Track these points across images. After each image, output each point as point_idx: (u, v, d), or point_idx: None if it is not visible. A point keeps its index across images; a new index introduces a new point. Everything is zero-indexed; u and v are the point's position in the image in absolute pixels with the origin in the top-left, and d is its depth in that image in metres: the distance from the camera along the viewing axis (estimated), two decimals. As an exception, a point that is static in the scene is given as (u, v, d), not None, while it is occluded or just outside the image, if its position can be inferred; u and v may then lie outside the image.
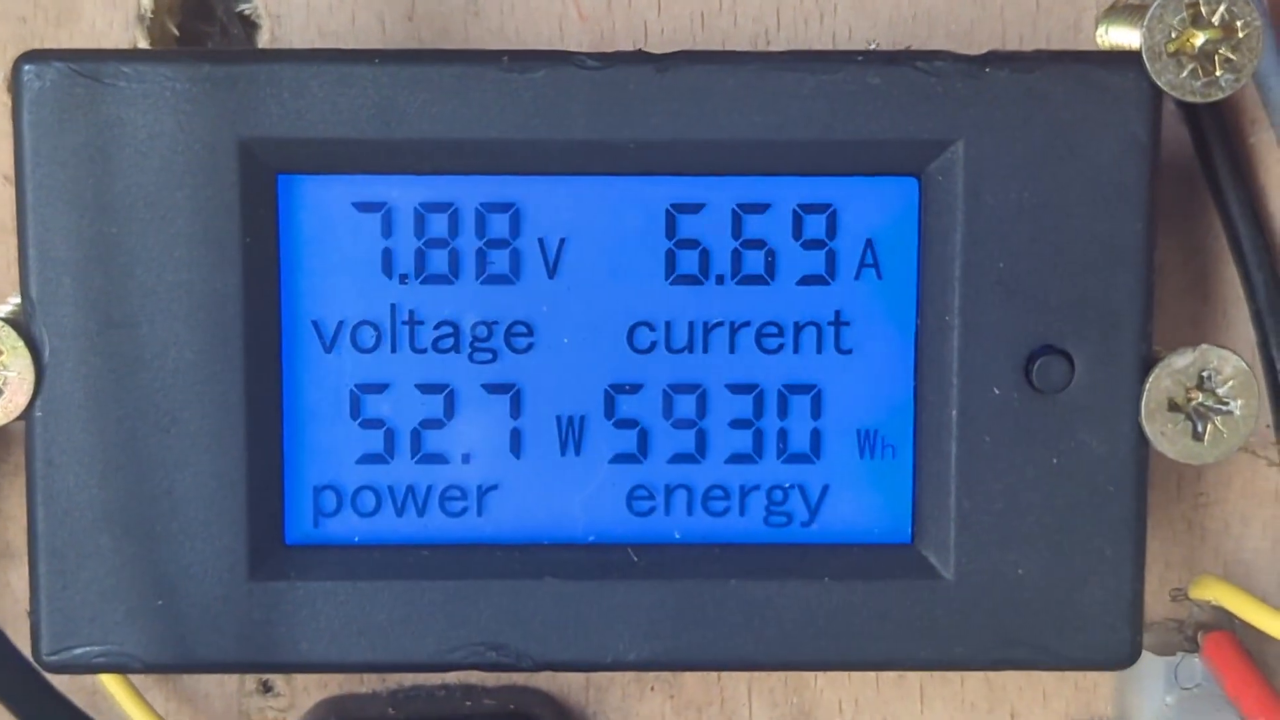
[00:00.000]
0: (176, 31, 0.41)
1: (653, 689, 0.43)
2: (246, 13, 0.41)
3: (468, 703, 0.42)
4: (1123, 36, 0.38)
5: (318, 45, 0.41)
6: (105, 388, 0.37)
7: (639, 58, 0.37)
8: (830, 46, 0.41)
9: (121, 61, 0.36)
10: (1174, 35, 0.36)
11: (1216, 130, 0.40)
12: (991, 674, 0.43)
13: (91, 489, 0.37)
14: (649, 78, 0.36)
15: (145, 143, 0.36)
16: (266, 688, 0.43)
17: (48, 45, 0.40)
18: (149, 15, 0.41)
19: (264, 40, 0.41)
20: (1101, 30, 0.39)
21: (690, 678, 0.43)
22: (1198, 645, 0.41)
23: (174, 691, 0.43)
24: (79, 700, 0.41)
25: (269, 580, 0.37)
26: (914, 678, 0.43)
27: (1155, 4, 0.36)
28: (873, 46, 0.39)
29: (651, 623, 0.38)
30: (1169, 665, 0.41)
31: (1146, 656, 0.41)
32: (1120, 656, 0.38)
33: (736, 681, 0.43)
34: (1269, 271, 0.40)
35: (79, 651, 0.37)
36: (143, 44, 0.41)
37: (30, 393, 0.37)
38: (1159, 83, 0.36)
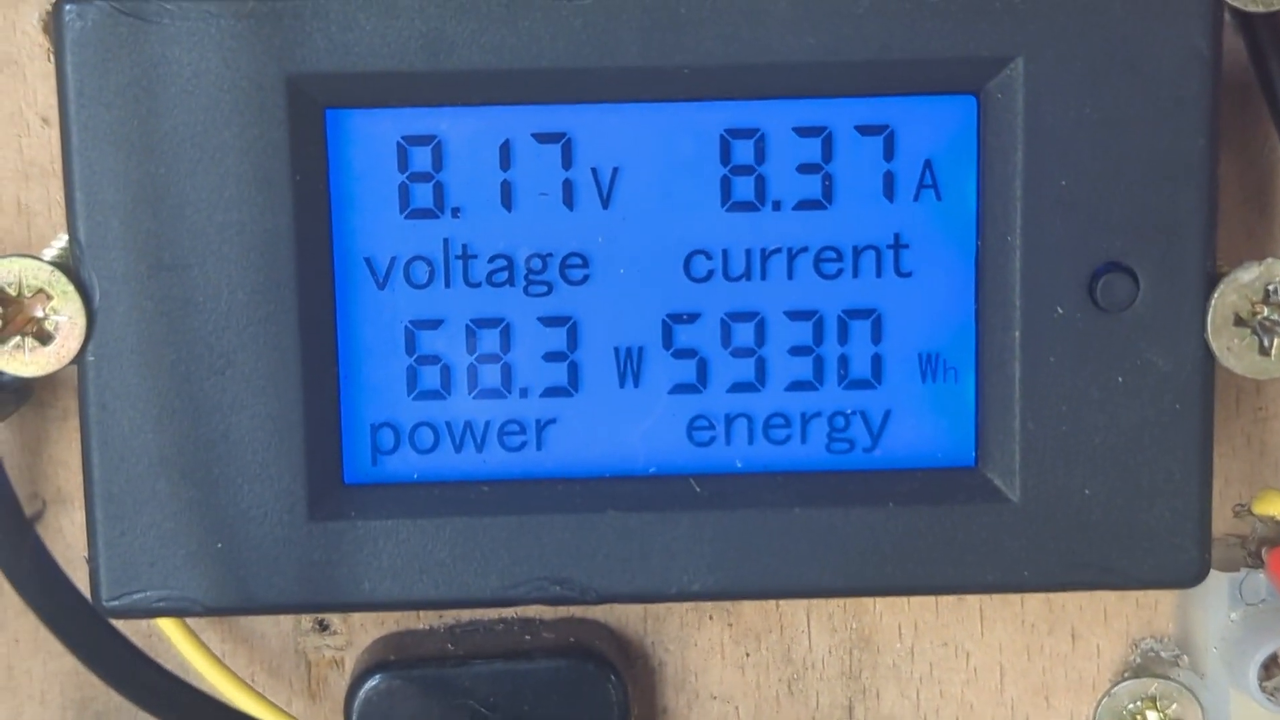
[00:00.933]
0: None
1: (711, 618, 0.43)
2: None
3: (527, 636, 0.42)
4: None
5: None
6: (157, 331, 0.36)
7: (690, -21, 0.36)
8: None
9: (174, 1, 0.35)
10: (1236, -58, 0.35)
11: (1273, 40, 0.39)
12: (1052, 595, 0.42)
13: (146, 433, 0.37)
14: (701, 1, 0.36)
15: (191, 81, 0.36)
16: (323, 626, 0.43)
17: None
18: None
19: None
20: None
21: (748, 606, 0.43)
22: (1261, 561, 0.41)
23: (229, 632, 0.43)
24: (134, 642, 0.41)
25: (328, 520, 0.37)
26: (973, 600, 0.43)
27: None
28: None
29: (715, 553, 0.37)
30: (1232, 581, 0.41)
31: (1209, 573, 0.40)
32: (1189, 574, 0.38)
33: (795, 608, 0.43)
34: (1328, 182, 0.40)
35: (139, 596, 0.37)
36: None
37: (82, 338, 0.36)
38: (1223, -5, 0.35)
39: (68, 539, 0.42)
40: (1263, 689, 0.40)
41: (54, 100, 0.37)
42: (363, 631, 0.43)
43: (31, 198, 0.40)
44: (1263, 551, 0.41)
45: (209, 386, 0.37)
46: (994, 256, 0.37)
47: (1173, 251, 0.36)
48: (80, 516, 0.41)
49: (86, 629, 0.38)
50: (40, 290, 0.36)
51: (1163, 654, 0.43)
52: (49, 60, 0.40)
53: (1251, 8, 0.36)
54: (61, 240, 0.38)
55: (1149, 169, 0.36)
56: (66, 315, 0.36)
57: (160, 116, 0.36)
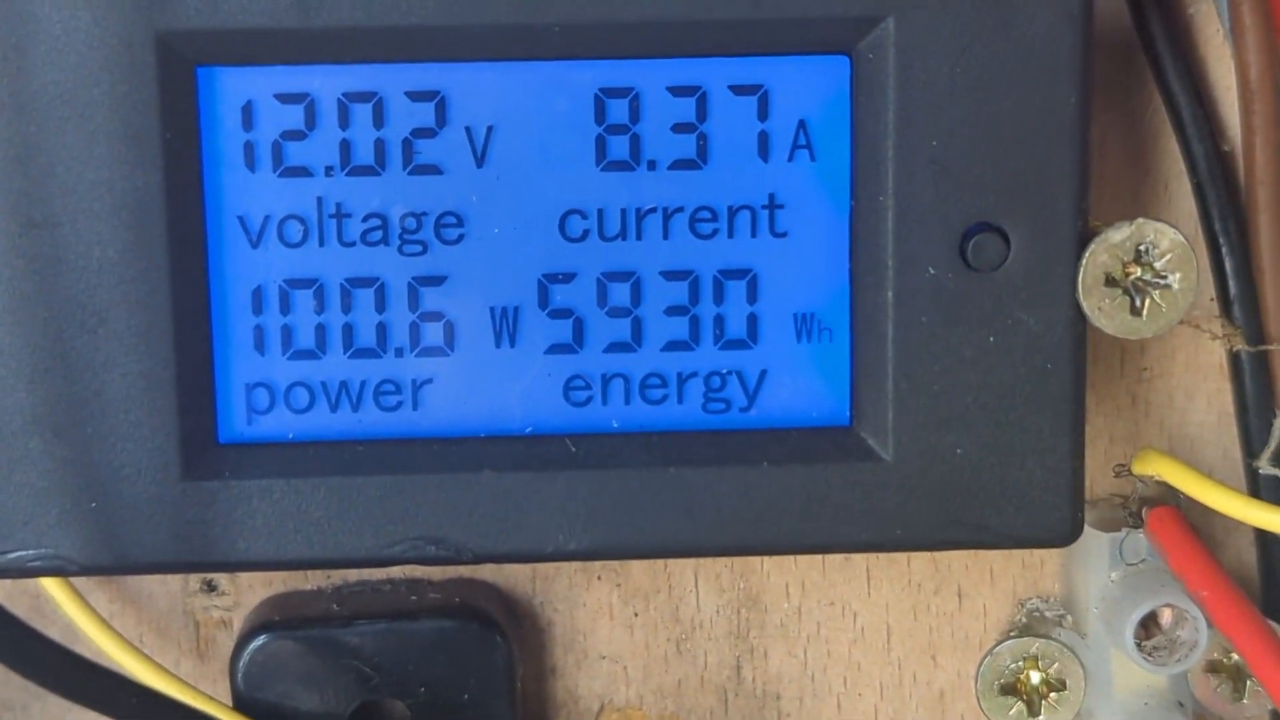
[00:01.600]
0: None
1: (599, 578, 0.43)
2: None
3: (413, 597, 0.42)
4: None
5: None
6: (28, 289, 0.36)
7: (562, -64, 0.36)
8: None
9: (32, -45, 0.35)
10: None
11: (1155, 5, 0.39)
12: (938, 554, 0.43)
13: (18, 392, 0.36)
14: (572, -43, 0.36)
15: (59, 38, 0.36)
16: (211, 587, 0.42)
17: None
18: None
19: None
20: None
21: (636, 566, 0.43)
22: (1142, 521, 0.41)
23: (118, 593, 0.43)
24: (21, 605, 0.41)
25: (203, 479, 0.37)
26: (860, 560, 0.43)
27: None
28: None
29: (591, 512, 0.37)
30: (1114, 541, 0.41)
31: (1091, 533, 0.41)
32: (1062, 533, 0.38)
33: (683, 568, 0.43)
34: (1209, 143, 0.40)
35: (13, 556, 0.37)
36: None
37: (-48, 297, 0.36)
38: (1090, -48, 0.35)
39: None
40: (1140, 648, 0.40)
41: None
42: (250, 592, 0.43)
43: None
44: (1143, 511, 0.41)
45: (80, 345, 0.36)
46: (867, 217, 0.37)
47: (1043, 212, 0.36)
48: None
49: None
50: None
51: (1047, 614, 0.43)
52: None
53: (1124, -32, 0.36)
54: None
55: (1020, 129, 0.36)
56: (-68, 275, 0.36)
57: (28, 74, 0.35)
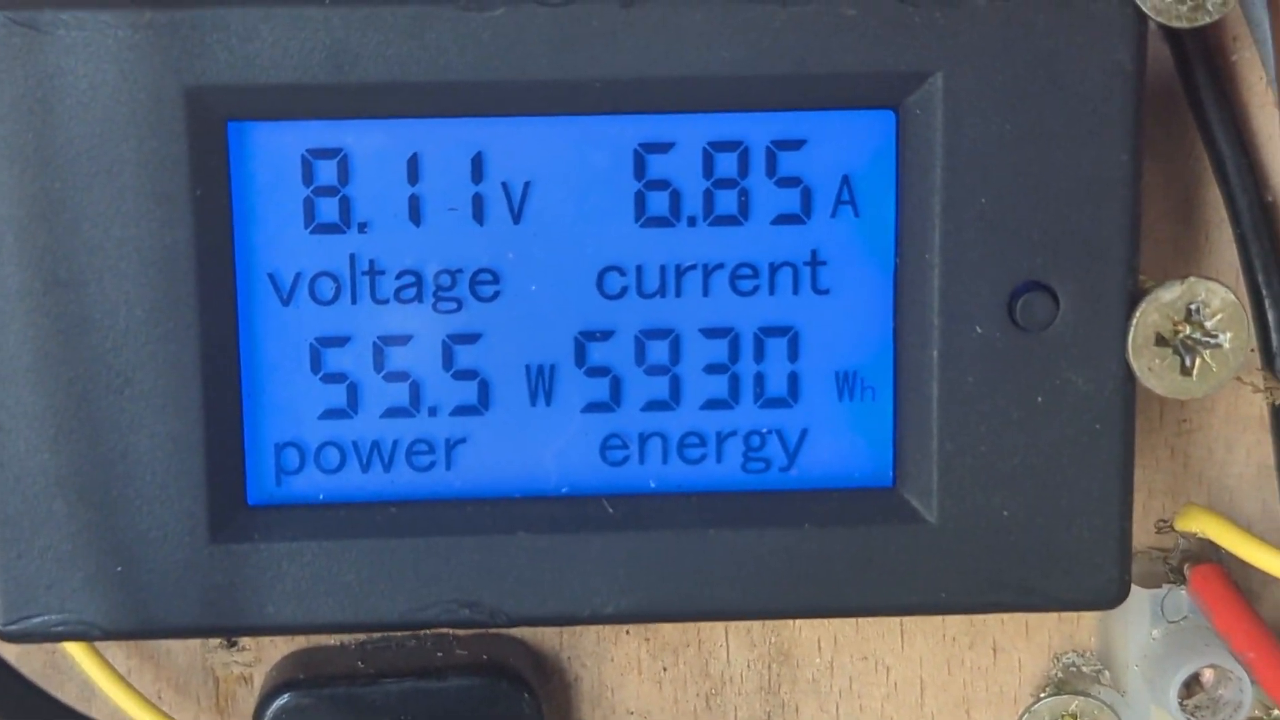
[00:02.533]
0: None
1: (628, 632, 0.42)
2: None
3: (439, 654, 0.41)
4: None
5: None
6: (54, 349, 0.35)
7: (602, -8, 0.35)
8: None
9: (59, 8, 0.35)
10: (1161, -45, 0.35)
11: (1199, 49, 0.39)
12: (972, 610, 0.42)
13: (43, 454, 0.36)
14: (613, 13, 0.35)
15: (87, 93, 0.35)
16: (231, 643, 0.42)
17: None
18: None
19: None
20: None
21: (666, 621, 0.42)
22: (1184, 577, 0.40)
23: (135, 649, 0.42)
24: (37, 661, 0.40)
25: (231, 542, 0.36)
26: (894, 615, 0.42)
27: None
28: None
29: (628, 575, 0.37)
30: (1155, 598, 0.40)
31: (1132, 589, 0.40)
32: (1108, 596, 0.37)
33: (713, 623, 0.42)
34: (1253, 194, 0.39)
35: (37, 620, 0.36)
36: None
37: (-24, 356, 0.35)
38: (1144, 8, 0.35)
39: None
40: (1183, 708, 0.39)
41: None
42: (272, 648, 0.42)
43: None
44: (1185, 568, 0.40)
45: (107, 405, 0.36)
46: (912, 274, 0.36)
47: (1094, 270, 0.36)
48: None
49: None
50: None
51: (1084, 669, 0.42)
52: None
53: (1177, 23, 0.35)
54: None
55: (1070, 186, 0.35)
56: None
57: (56, 129, 0.35)
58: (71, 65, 0.35)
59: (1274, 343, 0.39)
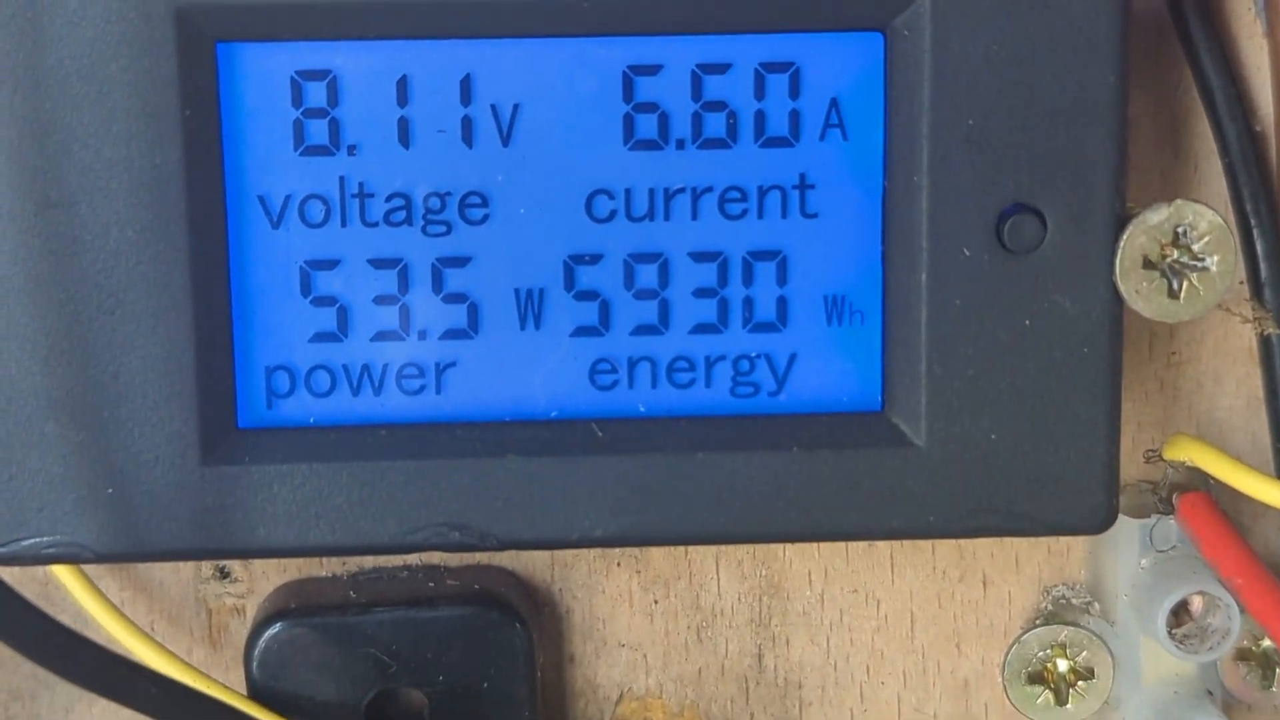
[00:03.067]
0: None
1: (619, 564, 0.42)
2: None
3: (430, 584, 0.41)
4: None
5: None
6: (44, 270, 0.35)
7: (590, -86, 0.35)
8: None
9: (48, -72, 0.34)
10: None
11: (1189, -19, 0.39)
12: (963, 541, 0.42)
13: (34, 375, 0.36)
14: (602, -66, 0.35)
15: (77, 13, 0.35)
16: (224, 574, 0.42)
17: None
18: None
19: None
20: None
21: (657, 552, 0.42)
22: (1172, 507, 0.40)
23: (129, 580, 0.42)
24: (30, 591, 0.40)
25: (222, 464, 0.36)
26: (884, 547, 0.42)
27: None
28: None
29: (617, 498, 0.37)
30: (1143, 528, 0.41)
31: (1120, 519, 0.40)
32: (1096, 520, 0.37)
33: (704, 555, 0.42)
34: (1241, 124, 0.39)
35: (28, 543, 0.36)
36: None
37: (-34, 277, 0.35)
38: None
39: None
40: (1171, 636, 0.39)
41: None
42: (264, 579, 0.42)
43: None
44: (1174, 497, 0.41)
45: (98, 327, 0.36)
46: (900, 198, 0.36)
47: (1081, 193, 0.36)
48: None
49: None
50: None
51: (1074, 600, 0.42)
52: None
53: (1163, -54, 0.35)
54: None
55: (1058, 109, 0.36)
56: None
57: (45, 50, 0.35)
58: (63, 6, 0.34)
59: (1262, 272, 0.39)
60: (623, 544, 0.38)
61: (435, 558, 0.41)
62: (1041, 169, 0.36)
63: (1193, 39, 0.39)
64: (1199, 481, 0.41)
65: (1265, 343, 0.40)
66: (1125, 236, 0.36)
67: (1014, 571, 0.43)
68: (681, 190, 0.37)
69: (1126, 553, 0.41)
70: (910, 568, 0.42)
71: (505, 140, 0.36)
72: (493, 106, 0.36)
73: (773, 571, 0.42)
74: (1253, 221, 0.39)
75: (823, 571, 0.42)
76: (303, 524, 0.37)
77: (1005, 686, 0.42)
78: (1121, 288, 0.36)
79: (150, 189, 0.35)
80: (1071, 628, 0.41)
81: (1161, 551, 0.40)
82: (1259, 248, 0.39)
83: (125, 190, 0.35)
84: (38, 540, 0.36)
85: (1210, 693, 0.41)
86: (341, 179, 0.36)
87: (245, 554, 0.38)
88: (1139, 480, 0.42)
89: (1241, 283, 0.40)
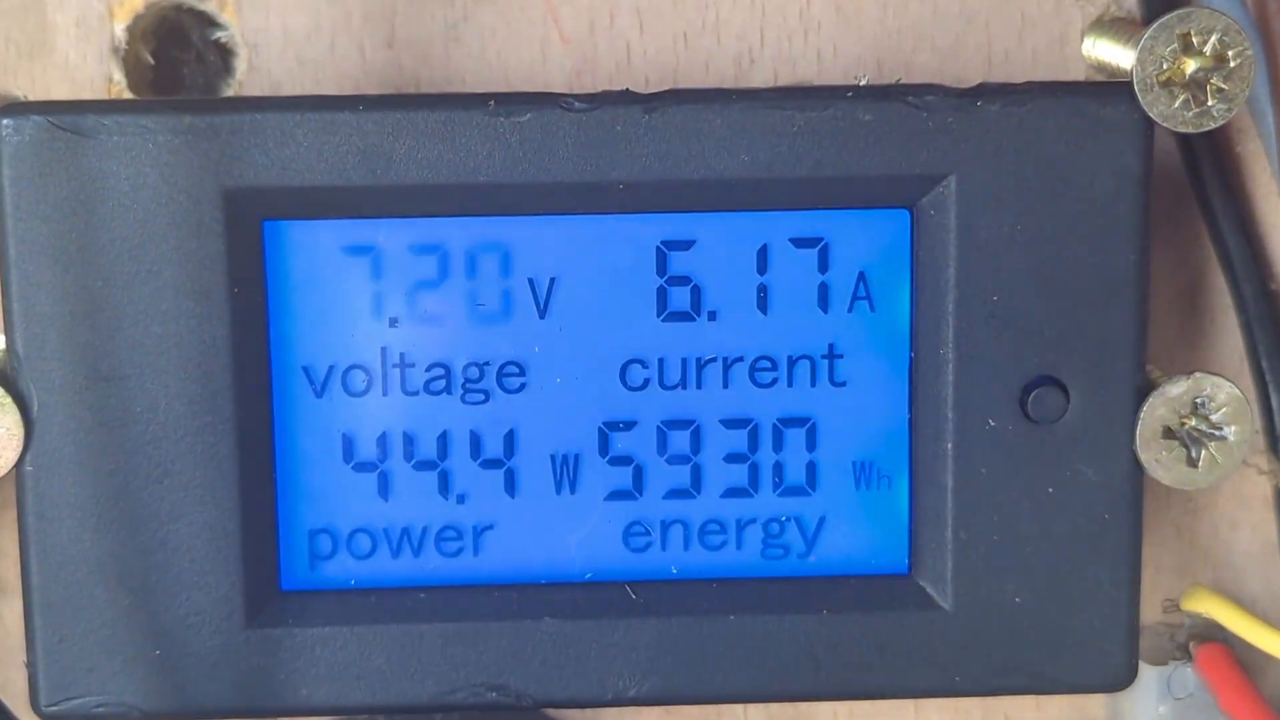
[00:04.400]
0: (151, 60, 0.40)
1: (648, 708, 0.43)
2: (223, 40, 0.40)
3: (465, 728, 0.42)
4: (1110, 53, 0.38)
5: (296, 73, 0.40)
6: (95, 440, 0.36)
7: (626, 98, 0.36)
8: (815, 64, 0.40)
9: (101, 113, 0.36)
10: (1165, 66, 0.36)
11: (1204, 141, 0.40)
12: (985, 683, 0.43)
13: (85, 541, 0.37)
14: (636, 118, 0.36)
15: (128, 194, 0.36)
16: None
17: (21, 79, 0.40)
18: (123, 46, 0.40)
19: (241, 69, 0.40)
20: (1089, 44, 0.39)
21: (686, 694, 0.43)
22: (1190, 654, 0.41)
23: None
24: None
25: (266, 627, 0.37)
26: (908, 687, 0.43)
27: (1146, 36, 0.35)
28: (862, 81, 0.38)
29: (651, 659, 0.38)
30: (1162, 674, 0.41)
31: (1140, 666, 0.41)
32: (1117, 680, 0.38)
33: (732, 696, 0.43)
34: (1257, 282, 0.40)
35: (77, 702, 0.37)
36: (117, 75, 0.40)
37: (20, 448, 0.36)
38: (1151, 114, 0.36)
39: (6, 625, 0.42)
40: (1190, 784, 0.40)
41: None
42: (301, 721, 0.43)
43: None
44: (1191, 646, 0.41)
45: (147, 495, 0.37)
46: (927, 368, 0.37)
47: (1103, 366, 0.37)
48: (18, 605, 0.41)
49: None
50: (-24, 402, 0.36)
51: (1094, 742, 0.43)
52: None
53: (1183, 129, 0.36)
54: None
55: (1081, 284, 0.37)
56: (4, 426, 0.36)
57: (98, 229, 0.36)
58: (113, 168, 0.36)
59: (1278, 427, 0.40)
60: (656, 703, 0.39)
61: (469, 701, 0.42)
62: (1065, 343, 0.37)
63: (1210, 199, 0.40)
64: (1216, 630, 0.42)
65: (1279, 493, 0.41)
66: (1146, 408, 0.37)
67: (1035, 711, 0.43)
68: (713, 360, 0.38)
69: (1145, 699, 0.42)
70: (934, 709, 0.43)
71: (542, 312, 0.37)
72: (530, 280, 0.37)
73: (800, 712, 0.43)
74: (1268, 377, 0.40)
75: (848, 712, 0.43)
76: (344, 684, 0.38)
77: (1027, 829, 0.43)
78: (1142, 457, 0.37)
79: (198, 362, 0.36)
80: (1092, 771, 0.42)
81: (1179, 699, 0.41)
82: (1274, 402, 0.40)
83: (174, 363, 0.36)
84: (86, 700, 0.37)
85: (1226, 838, 0.42)
86: (383, 350, 0.37)
87: (287, 713, 0.39)
88: (1157, 623, 0.43)
89: (1257, 432, 0.41)
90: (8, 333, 0.36)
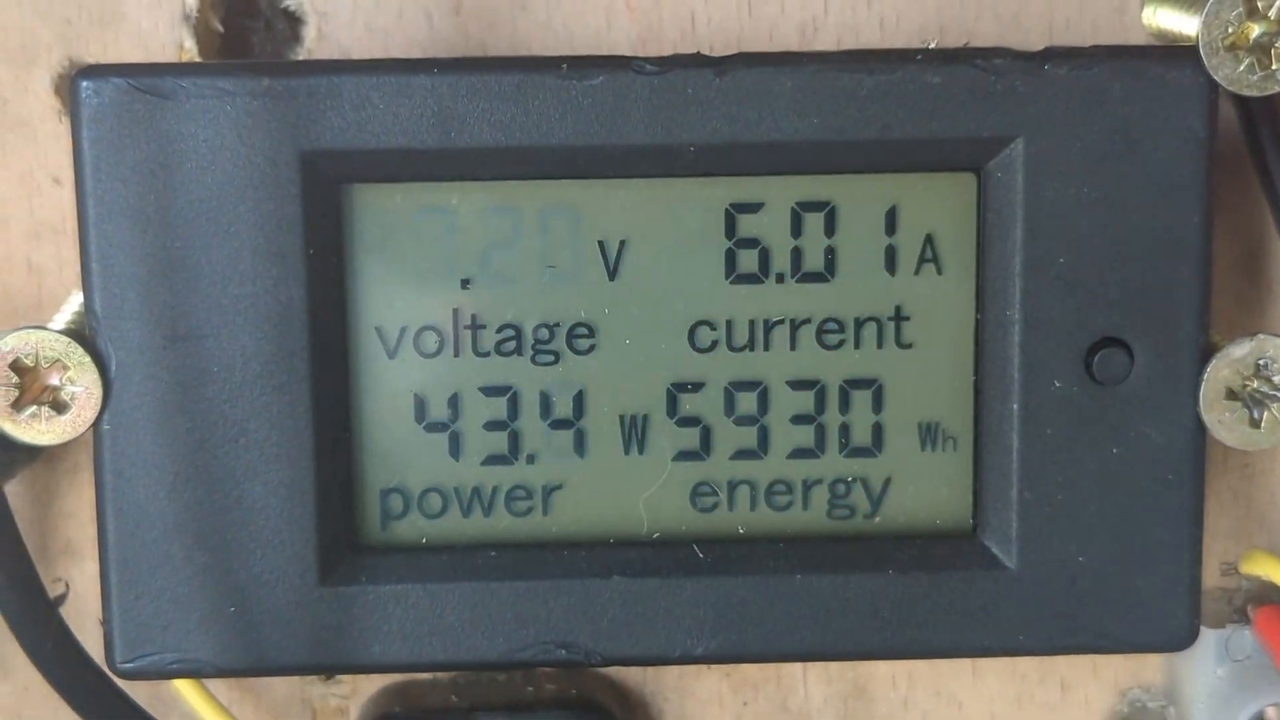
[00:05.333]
0: (221, 29, 0.41)
1: (709, 668, 0.44)
2: (291, 8, 0.41)
3: (529, 688, 0.43)
4: (1172, 20, 0.39)
5: (364, 40, 0.41)
6: (172, 400, 0.37)
7: (696, 61, 0.37)
8: (878, 32, 0.41)
9: (179, 76, 0.36)
10: (1230, 30, 0.36)
11: (1264, 110, 0.40)
12: (1043, 646, 0.43)
13: (161, 500, 0.37)
14: (707, 81, 0.37)
15: (206, 156, 0.36)
16: (329, 675, 0.43)
17: (93, 47, 0.40)
18: (194, 14, 0.40)
19: (310, 36, 0.41)
20: (1149, 12, 0.39)
21: (746, 656, 0.43)
22: (1248, 617, 0.42)
23: (236, 681, 0.43)
24: (142, 690, 0.41)
25: (339, 584, 0.38)
26: (966, 650, 0.44)
27: (1211, 8, 0.36)
28: (931, 45, 0.39)
29: (717, 617, 0.38)
30: (1220, 637, 0.42)
31: (1198, 628, 0.41)
32: (1179, 639, 0.39)
33: (792, 659, 0.44)
34: (1317, 250, 0.41)
35: (152, 659, 0.38)
36: (188, 43, 0.40)
37: (98, 407, 0.37)
38: (1216, 78, 0.36)
39: (77, 589, 0.42)
40: (1249, 745, 0.41)
41: (65, 160, 0.38)
42: (367, 681, 0.43)
43: (43, 257, 0.41)
44: (1249, 609, 0.42)
45: (223, 454, 0.37)
46: (993, 330, 0.38)
47: (1167, 327, 0.37)
48: (90, 568, 0.42)
49: (95, 691, 0.38)
50: (56, 360, 0.37)
51: (1150, 705, 0.44)
52: (60, 121, 0.40)
53: (1248, 92, 0.36)
54: (73, 301, 0.39)
55: (1145, 246, 0.37)
56: (83, 385, 0.37)
57: (176, 190, 0.36)
58: (192, 130, 0.36)
59: (1338, 391, 0.41)
60: (722, 661, 0.39)
61: (533, 662, 0.43)
62: (1129, 304, 0.37)
63: (1269, 166, 0.40)
64: (1274, 592, 0.42)
65: (1338, 458, 0.41)
66: (1209, 369, 0.37)
67: (1091, 675, 0.44)
68: (780, 321, 0.38)
69: (1203, 661, 0.42)
70: (991, 671, 0.44)
71: (612, 275, 0.38)
72: (600, 243, 0.38)
73: (859, 674, 0.44)
74: (1327, 344, 0.41)
75: (907, 675, 0.44)
76: (415, 641, 0.38)
77: (1085, 789, 0.43)
78: (1205, 418, 0.37)
79: (275, 323, 0.37)
80: (1149, 733, 0.43)
81: (1238, 661, 0.42)
82: (1334, 366, 0.41)
83: (251, 324, 0.37)
84: (162, 656, 0.38)
85: (1284, 798, 0.42)
86: (455, 311, 0.38)
87: (360, 669, 0.39)
88: (1215, 588, 0.43)
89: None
90: (86, 293, 0.37)
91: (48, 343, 0.37)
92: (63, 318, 0.38)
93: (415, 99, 0.36)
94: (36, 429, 0.37)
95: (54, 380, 0.37)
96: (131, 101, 0.36)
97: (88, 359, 0.37)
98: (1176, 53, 0.37)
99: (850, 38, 0.41)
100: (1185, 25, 0.38)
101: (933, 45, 0.39)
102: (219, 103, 0.36)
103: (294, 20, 0.41)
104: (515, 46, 0.41)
